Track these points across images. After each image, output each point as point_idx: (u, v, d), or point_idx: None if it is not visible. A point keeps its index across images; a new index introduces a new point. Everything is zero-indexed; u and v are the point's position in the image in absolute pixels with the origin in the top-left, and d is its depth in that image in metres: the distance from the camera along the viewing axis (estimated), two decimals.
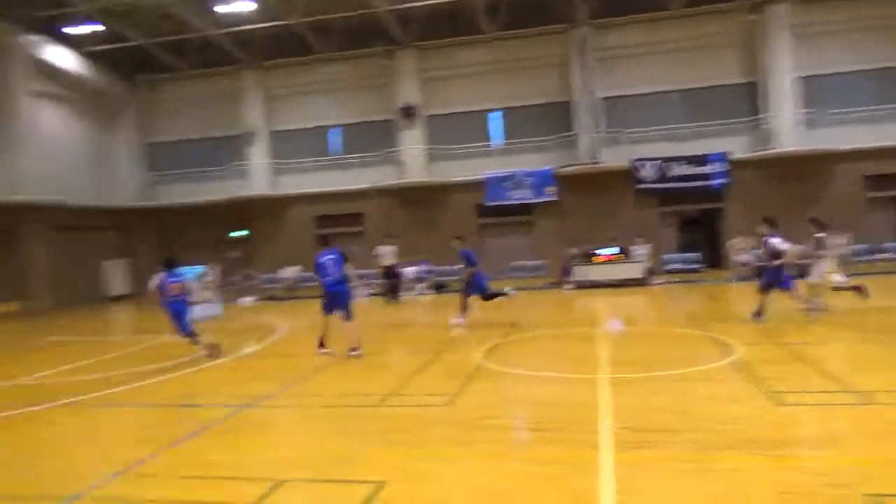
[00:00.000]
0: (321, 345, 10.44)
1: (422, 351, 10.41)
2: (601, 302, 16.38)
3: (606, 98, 23.48)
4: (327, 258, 10.50)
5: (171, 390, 8.61)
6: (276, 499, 4.62)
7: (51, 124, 23.63)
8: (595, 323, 12.81)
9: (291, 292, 22.41)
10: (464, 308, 12.95)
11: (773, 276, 11.05)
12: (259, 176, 26.14)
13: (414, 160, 24.68)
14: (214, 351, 10.80)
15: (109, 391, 8.65)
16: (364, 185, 25.07)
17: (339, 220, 25.74)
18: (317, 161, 26.18)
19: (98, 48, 24.03)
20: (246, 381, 8.90)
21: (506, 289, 13.54)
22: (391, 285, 19.03)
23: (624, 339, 11.38)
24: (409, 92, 24.70)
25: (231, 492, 4.79)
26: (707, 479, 4.60)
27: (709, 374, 7.83)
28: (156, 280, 10.74)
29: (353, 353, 9.97)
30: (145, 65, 26.87)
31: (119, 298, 25.34)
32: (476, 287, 13.03)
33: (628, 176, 22.81)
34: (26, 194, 21.22)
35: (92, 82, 25.32)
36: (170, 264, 11.09)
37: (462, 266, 13.36)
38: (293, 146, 26.48)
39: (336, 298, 10.31)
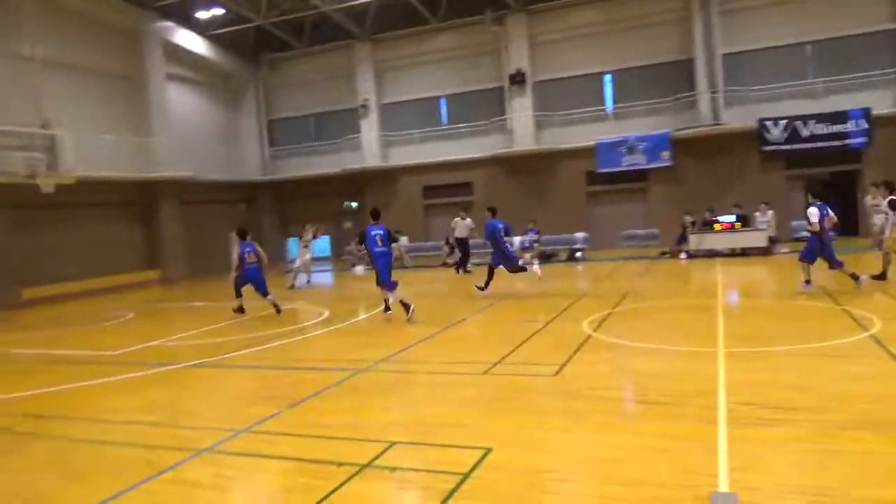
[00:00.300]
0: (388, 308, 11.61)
1: (528, 320, 10.37)
2: (719, 272, 15.56)
3: (729, 55, 21.97)
4: (376, 232, 11.41)
5: (289, 354, 9.12)
6: (387, 460, 4.79)
7: (181, 105, 25.37)
8: (712, 294, 12.20)
9: (400, 262, 22.95)
10: (490, 278, 13.41)
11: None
12: (370, 148, 26.82)
13: (523, 128, 24.34)
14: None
15: (234, 353, 9.29)
16: (472, 155, 25.08)
17: (447, 191, 26.00)
18: (425, 132, 26.45)
19: (222, 31, 25.41)
20: (359, 347, 9.25)
21: (534, 267, 13.61)
22: (462, 257, 19.30)
23: (744, 312, 10.79)
24: (518, 58, 24.29)
25: (346, 451, 5.01)
26: (835, 461, 4.29)
27: (839, 349, 7.25)
28: (236, 251, 12.02)
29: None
30: (265, 45, 28.17)
31: None
32: (503, 258, 13.30)
33: (752, 137, 21.37)
34: (161, 171, 22.98)
35: (218, 64, 26.91)
36: (242, 235, 12.28)
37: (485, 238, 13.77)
38: (403, 118, 26.90)
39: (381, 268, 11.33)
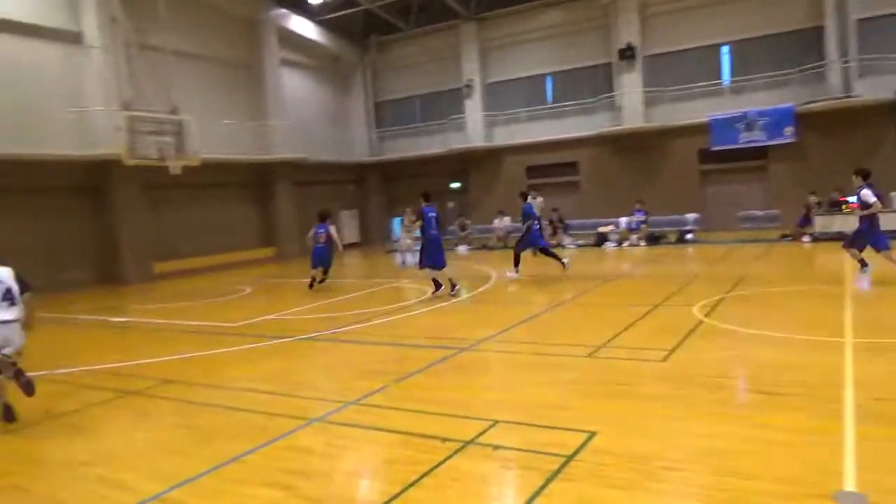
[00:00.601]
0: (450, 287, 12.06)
1: (635, 303, 10.06)
2: (847, 257, 14.39)
3: (864, 20, 20.08)
4: (432, 214, 12.28)
5: (395, 330, 9.36)
6: (491, 437, 4.83)
7: (294, 90, 26.42)
8: (839, 280, 11.33)
9: (503, 242, 22.91)
10: (516, 262, 13.79)
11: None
12: (475, 128, 26.82)
13: (632, 105, 23.46)
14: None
15: (343, 328, 9.66)
16: (578, 134, 24.52)
17: (551, 170, 25.62)
18: (530, 111, 26.11)
19: (332, 16, 26.17)
20: (462, 326, 9.35)
21: (564, 259, 13.68)
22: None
23: (875, 300, 9.93)
24: (628, 32, 23.38)
25: (450, 427, 5.10)
26: None
27: None
28: (311, 231, 14.01)
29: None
30: (373, 28, 28.76)
31: (351, 246, 27.95)
32: (530, 242, 13.81)
33: (888, 110, 19.48)
34: (276, 153, 24.11)
35: (328, 49, 27.79)
36: (322, 217, 14.06)
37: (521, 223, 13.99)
38: (507, 97, 26.68)
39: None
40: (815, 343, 7.00)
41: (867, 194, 10.27)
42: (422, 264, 12.50)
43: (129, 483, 4.48)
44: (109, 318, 12.39)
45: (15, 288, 6.02)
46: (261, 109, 24.28)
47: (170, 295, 15.86)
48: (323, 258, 14.38)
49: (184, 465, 4.74)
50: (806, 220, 17.87)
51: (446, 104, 28.05)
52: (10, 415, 6.01)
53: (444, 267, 12.24)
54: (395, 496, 3.97)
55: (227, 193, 23.30)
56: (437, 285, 12.25)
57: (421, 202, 12.56)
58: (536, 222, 13.74)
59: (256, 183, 24.56)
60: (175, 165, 16.97)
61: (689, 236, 20.13)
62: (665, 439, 4.64)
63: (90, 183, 18.93)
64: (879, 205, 10.35)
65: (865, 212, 10.33)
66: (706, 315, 8.79)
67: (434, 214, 12.26)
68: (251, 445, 4.99)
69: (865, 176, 10.45)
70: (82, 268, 18.83)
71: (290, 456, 4.75)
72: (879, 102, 19.47)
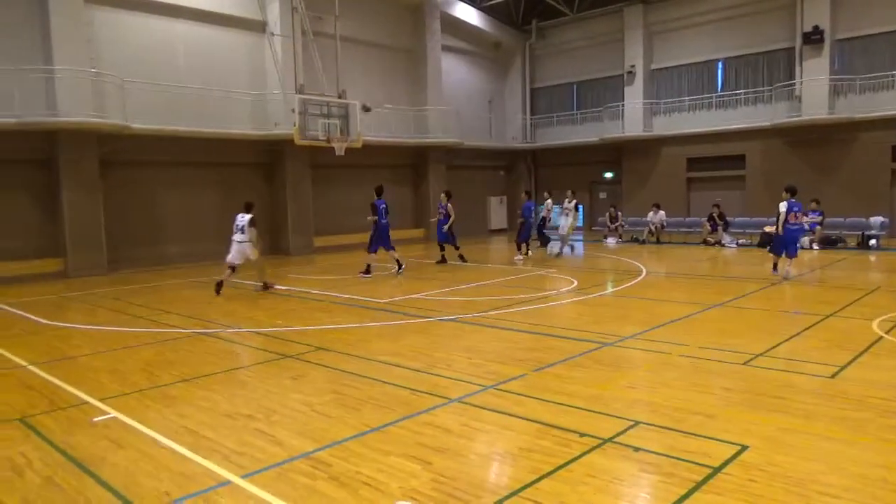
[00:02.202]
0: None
1: (803, 311, 9.22)
2: None
3: None
4: (382, 205, 14.40)
5: (537, 318, 9.31)
6: (630, 438, 4.67)
7: (452, 75, 26.89)
8: None
9: (655, 236, 21.92)
10: (519, 248, 17.29)
11: None
12: (633, 116, 25.78)
13: (814, 94, 21.27)
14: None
15: (485, 312, 9.77)
16: (748, 125, 22.74)
17: (714, 163, 24.03)
18: (695, 99, 24.61)
19: (495, 1, 26.26)
20: (607, 320, 9.10)
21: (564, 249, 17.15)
22: (544, 235, 19.42)
23: None
24: (816, 12, 21.15)
25: (588, 423, 4.99)
26: None
27: None
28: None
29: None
30: (535, 13, 28.49)
31: (498, 231, 28.11)
32: (524, 235, 17.21)
33: None
34: (432, 137, 24.75)
35: (489, 35, 27.96)
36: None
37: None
38: (671, 84, 25.35)
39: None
40: None
41: None
42: (371, 249, 14.50)
43: (283, 439, 4.85)
44: (274, 286, 13.46)
45: (246, 224, 12.41)
46: (420, 94, 25.01)
47: (326, 268, 16.92)
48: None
49: (332, 428, 5.05)
50: None
51: (604, 91, 27.20)
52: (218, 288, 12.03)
53: (390, 250, 14.54)
54: (528, 485, 3.97)
55: (383, 174, 24.27)
56: (399, 265, 14.63)
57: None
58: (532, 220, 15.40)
59: (412, 165, 25.40)
60: (340, 147, 17.97)
61: (872, 242, 18.04)
62: (826, 462, 4.23)
63: (264, 160, 20.65)
64: None
65: None
66: (888, 331, 7.85)
67: (384, 206, 14.46)
68: (394, 417, 5.21)
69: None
70: None
71: (429, 432, 4.90)
72: None
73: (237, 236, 12.47)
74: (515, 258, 16.99)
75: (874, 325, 8.17)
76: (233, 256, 12.42)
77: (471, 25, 26.88)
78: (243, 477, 4.19)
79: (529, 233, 17.13)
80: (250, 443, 4.80)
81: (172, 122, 17.68)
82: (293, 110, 17.08)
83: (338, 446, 4.67)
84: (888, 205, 19.90)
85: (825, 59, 21.11)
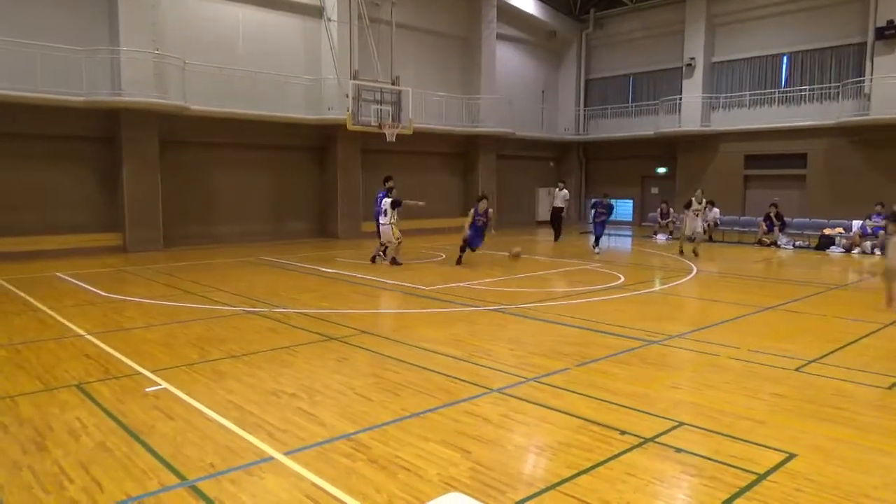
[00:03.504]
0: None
1: (862, 319, 8.87)
2: None
3: None
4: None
5: (582, 313, 9.20)
6: (672, 439, 4.58)
7: (506, 64, 26.70)
8: None
9: (708, 234, 21.36)
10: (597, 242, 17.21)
11: None
12: (691, 110, 25.14)
13: (886, 92, 20.29)
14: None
15: (529, 304, 9.71)
16: (812, 122, 21.90)
17: (773, 161, 23.26)
18: (758, 94, 23.81)
19: None
20: (654, 318, 8.93)
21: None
22: (557, 226, 20.40)
23: None
24: (892, 6, 20.13)
25: (630, 421, 4.92)
26: None
27: None
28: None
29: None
30: (592, 2, 27.98)
31: (545, 223, 27.86)
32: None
33: None
34: (483, 126, 24.63)
35: (545, 24, 27.62)
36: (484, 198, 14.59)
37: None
38: (732, 78, 24.60)
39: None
40: None
41: None
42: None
43: (325, 419, 4.94)
44: (321, 269, 13.68)
45: (388, 207, 13.39)
46: (472, 82, 24.90)
47: (372, 253, 17.05)
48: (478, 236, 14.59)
49: (373, 411, 5.12)
50: None
51: (661, 84, 26.58)
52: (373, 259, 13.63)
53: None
54: (566, 479, 3.94)
55: (432, 162, 24.37)
56: (376, 256, 14.50)
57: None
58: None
59: (461, 154, 25.35)
60: (391, 133, 18.06)
61: None
62: (875, 475, 4.07)
63: (316, 144, 20.93)
64: None
65: None
66: None
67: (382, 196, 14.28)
68: (434, 404, 5.24)
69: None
70: (303, 220, 21.01)
71: (469, 421, 4.91)
72: None
73: (381, 218, 13.52)
74: (595, 251, 16.95)
75: None
76: (381, 237, 13.87)
77: (527, 14, 26.59)
78: (286, 454, 4.28)
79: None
80: (293, 421, 4.90)
81: (229, 105, 18.09)
82: (347, 95, 17.24)
83: (378, 430, 4.72)
84: None
85: None
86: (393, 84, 18.21)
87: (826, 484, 3.92)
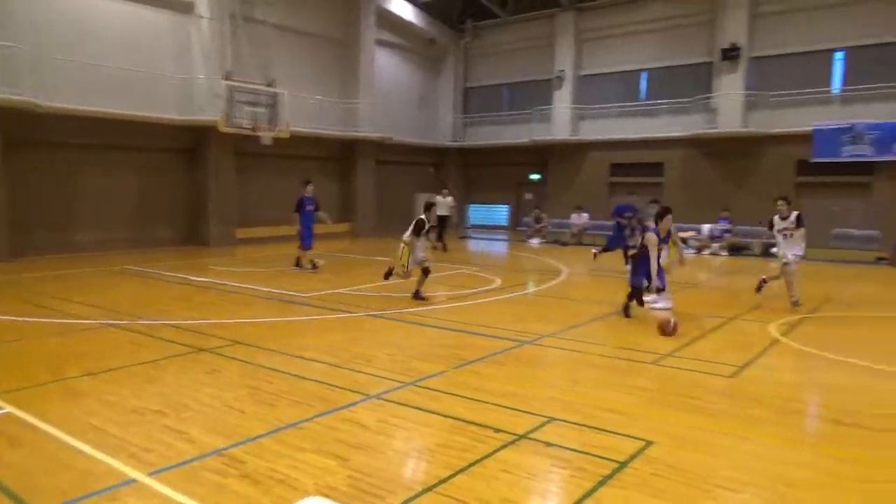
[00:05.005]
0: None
1: (709, 314, 9.71)
2: None
3: None
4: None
5: (459, 316, 9.40)
6: (544, 434, 4.79)
7: (385, 69, 26.71)
8: None
9: (578, 238, 22.54)
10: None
11: None
12: (561, 120, 26.38)
13: (729, 108, 22.37)
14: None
15: (407, 309, 9.78)
16: (668, 134, 23.68)
17: (635, 169, 24.91)
18: (621, 106, 25.41)
19: None
20: (527, 319, 9.28)
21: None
22: (439, 233, 19.49)
23: None
24: (734, 31, 22.21)
25: (504, 419, 5.09)
26: None
27: None
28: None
29: None
30: (470, 13, 28.66)
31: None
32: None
33: None
34: (362, 131, 24.51)
35: (424, 31, 27.91)
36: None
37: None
38: (598, 91, 26.06)
39: None
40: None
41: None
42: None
43: (194, 435, 4.70)
44: (191, 277, 13.01)
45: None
46: (351, 86, 24.70)
47: (247, 260, 16.50)
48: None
49: (246, 424, 4.94)
50: None
51: (534, 94, 27.68)
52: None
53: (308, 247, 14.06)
54: (443, 480, 4.01)
55: (310, 166, 23.85)
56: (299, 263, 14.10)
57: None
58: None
59: (339, 158, 25.06)
60: (266, 136, 17.57)
61: (774, 250, 19.13)
62: (725, 458, 4.48)
63: (186, 146, 19.88)
64: None
65: None
66: (783, 334, 8.38)
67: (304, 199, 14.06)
68: (310, 413, 5.15)
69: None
70: (170, 226, 19.84)
71: (346, 428, 4.87)
72: None
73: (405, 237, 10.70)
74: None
75: (772, 328, 8.70)
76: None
77: (406, 21, 26.77)
78: (150, 475, 4.04)
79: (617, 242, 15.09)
80: (158, 439, 4.63)
81: (90, 103, 16.75)
82: (219, 96, 16.55)
83: (252, 443, 4.57)
84: None
85: (740, 74, 22.24)
86: (268, 86, 17.73)
87: (680, 467, 4.25)
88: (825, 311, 10.19)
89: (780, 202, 10.53)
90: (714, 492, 3.94)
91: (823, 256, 18.06)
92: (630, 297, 9.54)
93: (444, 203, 20.37)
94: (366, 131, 24.58)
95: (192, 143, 19.85)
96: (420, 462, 4.41)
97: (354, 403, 5.44)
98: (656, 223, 9.24)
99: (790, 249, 10.34)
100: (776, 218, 10.56)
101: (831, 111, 20.90)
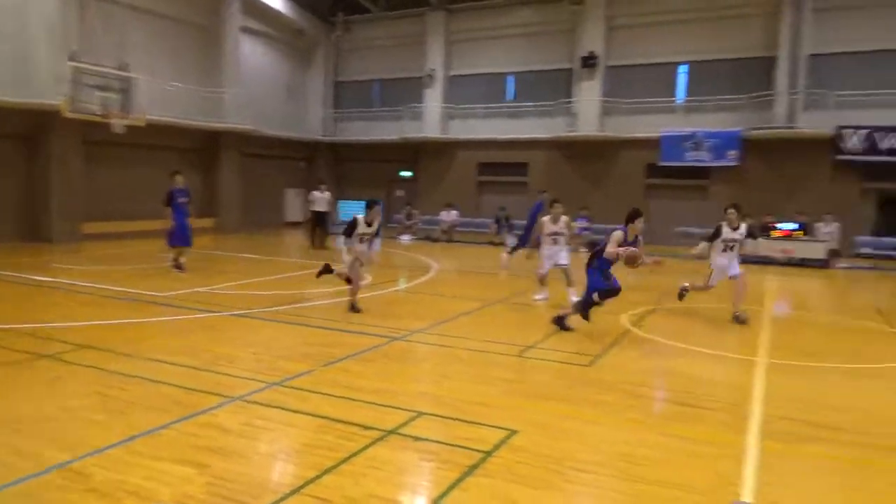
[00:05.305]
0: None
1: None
2: (770, 280, 15.07)
3: (815, 55, 20.87)
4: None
5: (329, 314, 9.27)
6: (412, 429, 4.84)
7: (252, 59, 25.72)
8: (758, 302, 11.80)
9: (448, 235, 22.99)
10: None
11: None
12: (431, 119, 26.72)
13: (588, 112, 23.76)
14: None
15: (276, 308, 9.50)
16: (533, 135, 24.72)
17: (502, 169, 25.80)
18: (488, 107, 26.16)
19: None
20: (398, 315, 9.33)
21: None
22: (319, 231, 19.06)
23: (790, 324, 10.43)
24: (592, 40, 23.61)
25: (373, 416, 5.08)
26: (873, 486, 4.14)
27: (887, 373, 6.98)
28: None
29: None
30: (341, 5, 28.24)
31: (295, 224, 27.51)
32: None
33: (827, 144, 20.38)
34: (226, 122, 23.44)
35: (293, 21, 27.13)
36: None
37: None
38: (467, 91, 26.65)
39: None
40: (731, 360, 7.29)
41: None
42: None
43: (34, 450, 4.28)
44: (30, 276, 11.84)
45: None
46: (215, 75, 23.55)
47: (97, 257, 15.27)
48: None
49: (93, 435, 4.57)
50: None
51: (406, 91, 27.80)
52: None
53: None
54: (310, 481, 3.94)
55: (170, 157, 22.47)
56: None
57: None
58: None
59: (202, 150, 23.81)
60: (118, 124, 16.30)
61: (694, 252, 20.53)
62: (582, 442, 4.76)
63: (24, 132, 18.00)
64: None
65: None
66: (634, 325, 9.04)
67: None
68: (166, 420, 4.86)
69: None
70: (6, 221, 17.89)
71: (206, 433, 4.65)
72: (819, 136, 20.32)
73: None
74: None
75: (623, 319, 9.37)
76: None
77: (273, 10, 25.86)
78: None
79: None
80: None
81: None
82: (64, 79, 15.13)
83: (100, 455, 4.24)
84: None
85: (598, 82, 23.68)
86: (120, 69, 16.46)
87: (542, 454, 4.47)
88: (671, 303, 11.08)
89: (730, 210, 9.46)
90: (568, 474, 4.19)
91: (669, 253, 19.67)
92: (582, 305, 8.33)
93: (322, 199, 19.61)
94: (231, 122, 23.53)
95: (30, 130, 18.01)
96: (286, 464, 4.31)
97: (216, 407, 5.20)
98: (626, 224, 8.07)
99: (727, 260, 9.43)
100: (724, 227, 9.50)
101: (677, 119, 22.81)
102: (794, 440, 4.89)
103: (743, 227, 9.49)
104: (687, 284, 10.22)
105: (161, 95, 20.08)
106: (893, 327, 9.53)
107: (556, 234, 10.37)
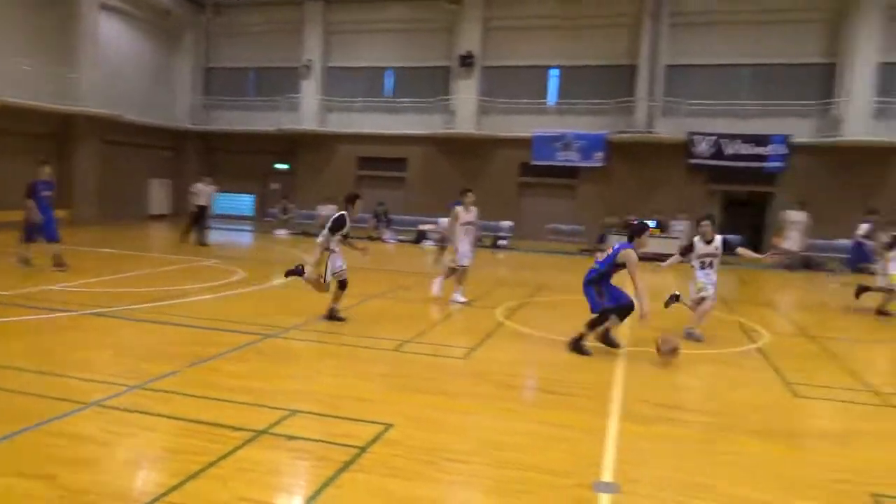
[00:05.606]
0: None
1: (441, 302, 10.44)
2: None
3: (671, 66, 22.58)
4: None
5: (198, 312, 8.85)
6: (285, 427, 4.73)
7: (113, 39, 23.90)
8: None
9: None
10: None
11: None
12: (309, 111, 26.14)
13: (465, 110, 24.26)
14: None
15: (138, 306, 8.93)
16: (411, 131, 24.86)
17: (381, 164, 25.76)
18: (367, 101, 25.99)
19: None
20: (271, 312, 9.08)
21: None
22: (200, 226, 17.75)
23: (654, 317, 11.21)
24: (469, 40, 24.13)
25: (244, 416, 4.92)
26: (718, 461, 4.57)
27: (731, 358, 7.74)
28: None
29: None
30: None
31: (159, 217, 25.94)
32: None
33: (681, 149, 22.14)
34: (83, 105, 21.64)
35: (158, 0, 25.42)
36: None
37: None
38: (346, 84, 26.32)
39: None
40: (595, 348, 7.74)
41: None
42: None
43: None
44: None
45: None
46: (70, 55, 21.66)
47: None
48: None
49: None
50: (602, 238, 19.73)
51: (283, 81, 26.96)
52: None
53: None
54: (174, 488, 3.75)
55: (17, 143, 20.45)
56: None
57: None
58: None
59: (55, 135, 21.84)
60: None
61: (501, 242, 21.32)
62: (456, 433, 4.88)
63: None
64: None
65: None
66: (507, 317, 9.37)
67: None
68: (8, 430, 4.43)
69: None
70: None
71: (57, 443, 4.29)
72: (674, 141, 22.03)
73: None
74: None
75: (497, 312, 9.68)
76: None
77: None
78: None
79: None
80: None
81: None
82: None
83: None
84: (515, 211, 23.66)
85: (475, 81, 24.22)
86: None
87: (415, 447, 4.53)
88: (541, 297, 11.60)
89: (703, 222, 8.57)
90: (442, 464, 4.28)
91: (541, 248, 20.56)
92: (592, 324, 7.53)
93: (206, 192, 18.06)
94: (88, 106, 21.75)
95: None
96: (147, 471, 4.08)
97: (68, 414, 4.80)
98: (631, 239, 7.51)
99: (707, 279, 8.66)
100: (697, 241, 8.64)
101: (548, 120, 23.82)
102: (649, 422, 5.29)
103: (718, 240, 8.49)
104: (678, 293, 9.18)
105: (11, 76, 18.21)
106: (736, 315, 10.52)
107: (469, 223, 10.38)
